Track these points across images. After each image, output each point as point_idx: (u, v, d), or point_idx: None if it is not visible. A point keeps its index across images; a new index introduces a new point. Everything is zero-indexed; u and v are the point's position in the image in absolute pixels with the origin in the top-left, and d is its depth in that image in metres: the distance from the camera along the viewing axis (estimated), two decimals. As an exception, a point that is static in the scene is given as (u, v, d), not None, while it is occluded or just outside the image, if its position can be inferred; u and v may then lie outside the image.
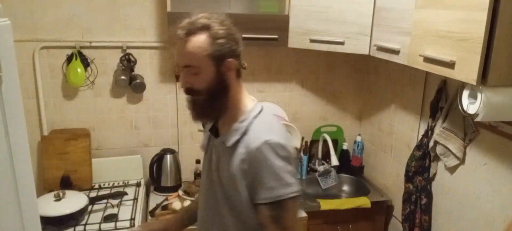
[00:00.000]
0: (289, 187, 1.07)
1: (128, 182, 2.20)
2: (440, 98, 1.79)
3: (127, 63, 2.13)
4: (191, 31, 1.07)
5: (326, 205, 2.09)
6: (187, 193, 2.11)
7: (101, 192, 2.04)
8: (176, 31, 1.08)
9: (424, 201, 1.86)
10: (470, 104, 1.33)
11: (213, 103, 1.12)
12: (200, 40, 1.06)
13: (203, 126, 1.40)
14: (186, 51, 1.06)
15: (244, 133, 1.11)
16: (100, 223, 1.79)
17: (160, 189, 2.22)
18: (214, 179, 1.19)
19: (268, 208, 1.08)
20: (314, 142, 2.51)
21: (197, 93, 1.10)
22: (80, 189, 2.03)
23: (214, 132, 1.20)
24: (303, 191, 1.15)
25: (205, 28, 1.07)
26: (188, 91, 1.11)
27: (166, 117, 2.28)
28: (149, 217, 1.98)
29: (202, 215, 1.28)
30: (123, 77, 2.09)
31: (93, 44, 2.09)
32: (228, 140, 1.13)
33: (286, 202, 1.07)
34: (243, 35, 2.07)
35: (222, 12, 1.15)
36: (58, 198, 1.82)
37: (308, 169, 2.47)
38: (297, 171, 1.19)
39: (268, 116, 1.17)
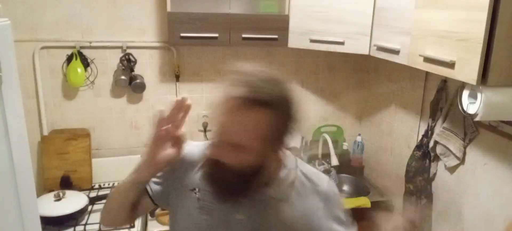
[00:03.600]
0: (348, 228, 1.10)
1: (128, 182, 2.20)
2: (440, 98, 1.79)
3: (127, 63, 2.13)
4: (250, 102, 0.83)
5: (326, 205, 2.09)
6: (187, 193, 2.11)
7: (101, 192, 2.04)
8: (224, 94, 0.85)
9: (424, 201, 1.86)
10: (470, 104, 1.33)
11: (242, 179, 0.93)
12: (257, 118, 0.85)
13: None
14: (233, 122, 0.85)
15: (293, 180, 1.01)
16: (100, 223, 1.79)
17: (160, 189, 2.21)
18: None
19: None
20: (314, 142, 2.51)
21: (227, 169, 0.90)
22: (80, 189, 2.03)
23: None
24: None
25: (268, 104, 0.85)
26: (219, 166, 0.91)
27: (166, 117, 2.28)
28: (149, 217, 1.98)
29: None
30: (123, 77, 2.09)
31: (93, 44, 2.09)
32: (277, 192, 0.98)
33: None
34: (243, 35, 2.07)
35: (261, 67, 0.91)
36: (58, 198, 1.82)
37: (308, 169, 2.47)
38: None
39: (301, 161, 1.11)
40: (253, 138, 0.85)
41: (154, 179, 1.06)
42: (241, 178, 0.90)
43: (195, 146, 1.06)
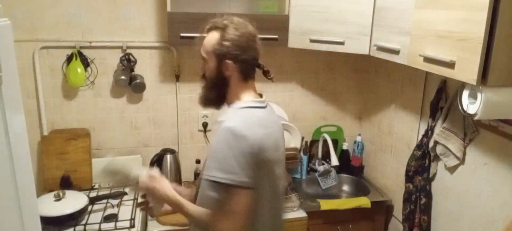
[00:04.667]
0: (230, 174, 1.13)
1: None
2: (440, 98, 1.79)
3: (127, 63, 2.13)
4: (211, 28, 1.27)
5: (326, 205, 2.09)
6: (187, 193, 2.11)
7: (101, 192, 2.04)
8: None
9: (423, 201, 1.86)
10: (470, 104, 1.33)
11: (210, 92, 1.30)
12: (212, 37, 1.25)
13: None
14: (203, 43, 1.28)
15: (226, 118, 1.21)
16: (100, 223, 1.79)
17: (160, 189, 2.21)
18: None
19: (212, 187, 1.18)
20: (314, 142, 2.51)
21: (204, 81, 1.31)
22: (80, 189, 2.03)
23: None
24: (252, 186, 1.18)
25: (220, 28, 1.24)
26: (202, 77, 1.32)
27: (166, 116, 2.28)
28: (149, 217, 1.97)
29: (196, 187, 1.40)
30: (123, 77, 2.09)
31: (93, 44, 2.09)
32: (216, 123, 1.28)
33: (228, 188, 1.14)
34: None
35: (243, 19, 1.29)
36: (58, 198, 1.82)
37: (308, 169, 2.47)
38: (264, 169, 1.23)
39: (257, 112, 1.25)
40: (208, 51, 1.26)
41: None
42: (211, 87, 1.29)
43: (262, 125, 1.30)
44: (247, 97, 1.28)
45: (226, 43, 1.22)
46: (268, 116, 1.29)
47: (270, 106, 1.36)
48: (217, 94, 1.30)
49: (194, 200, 1.34)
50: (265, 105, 1.30)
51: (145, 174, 1.35)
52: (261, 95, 1.33)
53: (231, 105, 1.29)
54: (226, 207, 1.16)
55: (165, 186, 1.33)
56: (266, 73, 1.35)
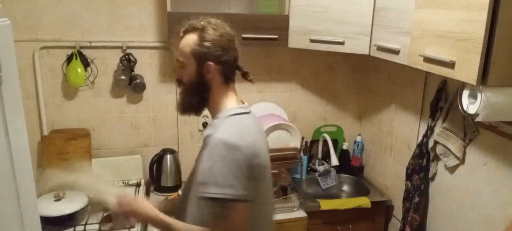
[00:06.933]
0: (227, 188, 1.08)
1: (128, 182, 2.20)
2: (440, 98, 1.79)
3: (127, 63, 2.13)
4: (188, 30, 1.20)
5: (326, 205, 2.09)
6: (187, 193, 2.11)
7: (101, 192, 2.04)
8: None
9: (416, 199, 1.86)
10: (470, 104, 1.33)
11: (191, 98, 1.23)
12: (190, 39, 1.18)
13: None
14: (179, 46, 1.21)
15: (215, 130, 1.15)
16: (100, 223, 1.79)
17: (160, 189, 2.22)
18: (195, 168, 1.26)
19: (206, 204, 1.10)
20: (314, 142, 2.51)
21: (182, 86, 1.23)
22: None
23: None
24: (249, 198, 1.15)
25: (199, 29, 1.18)
26: (178, 82, 1.25)
27: (166, 117, 2.28)
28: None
29: (181, 201, 1.35)
30: (123, 77, 2.09)
31: (93, 44, 2.09)
32: (203, 134, 1.21)
33: (225, 203, 1.08)
34: (243, 35, 2.07)
35: (220, 20, 1.24)
36: (58, 198, 1.82)
37: (308, 169, 2.47)
38: (261, 179, 1.21)
39: (243, 119, 1.20)
40: (186, 54, 1.18)
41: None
42: (191, 92, 1.22)
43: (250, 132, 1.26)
44: (230, 104, 1.22)
45: (206, 44, 1.15)
46: (254, 121, 1.25)
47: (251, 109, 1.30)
48: (198, 99, 1.23)
49: (178, 216, 1.26)
50: (249, 111, 1.25)
51: (115, 199, 1.24)
52: (243, 102, 1.28)
53: (217, 115, 1.21)
54: (224, 223, 1.11)
55: (146, 206, 1.23)
56: (245, 75, 1.28)
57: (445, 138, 1.74)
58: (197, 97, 1.22)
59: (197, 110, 1.26)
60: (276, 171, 2.16)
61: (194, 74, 1.19)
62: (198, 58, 1.17)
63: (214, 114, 1.24)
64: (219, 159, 1.08)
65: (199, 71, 1.18)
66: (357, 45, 1.88)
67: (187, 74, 1.20)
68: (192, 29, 1.19)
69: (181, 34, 1.21)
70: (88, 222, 1.80)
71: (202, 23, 1.18)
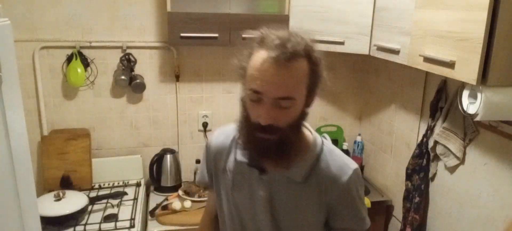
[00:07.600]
0: (362, 221, 1.07)
1: (128, 182, 2.20)
2: (440, 98, 1.79)
3: (127, 63, 2.13)
4: (294, 55, 0.88)
5: (326, 205, 2.09)
6: (187, 193, 2.11)
7: (101, 192, 2.04)
8: (268, 53, 0.88)
9: (417, 199, 1.86)
10: (470, 104, 1.33)
11: (289, 142, 0.95)
12: (299, 68, 0.91)
13: (219, 158, 1.16)
14: (288, 81, 0.89)
15: (315, 165, 1.02)
16: (100, 223, 1.79)
17: (160, 189, 2.22)
18: (260, 217, 1.06)
19: None
20: (314, 142, 2.51)
21: (275, 132, 0.92)
22: (80, 189, 2.03)
23: (257, 167, 1.04)
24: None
25: (306, 52, 0.92)
26: (269, 128, 0.91)
27: (166, 117, 2.28)
28: (149, 217, 1.97)
29: None
30: (123, 77, 2.09)
31: (93, 44, 2.09)
32: (295, 174, 1.01)
33: None
34: (243, 35, 2.06)
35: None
36: (58, 198, 1.82)
37: (308, 169, 2.47)
38: None
39: (329, 143, 1.10)
40: (299, 85, 0.92)
41: (204, 171, 1.21)
42: (290, 135, 0.94)
43: (223, 133, 1.17)
44: (308, 132, 1.06)
45: (319, 70, 0.97)
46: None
47: None
48: (296, 140, 0.98)
49: None
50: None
51: None
52: None
53: (307, 151, 1.03)
54: None
55: None
56: None
57: (445, 138, 1.74)
58: (295, 138, 0.98)
59: (289, 156, 0.99)
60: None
61: (301, 110, 0.96)
62: (310, 91, 0.95)
63: (297, 153, 1.00)
64: (356, 192, 1.04)
65: (307, 105, 0.97)
66: (357, 45, 1.88)
67: (293, 113, 0.93)
68: (298, 55, 0.90)
69: (283, 63, 0.87)
70: (88, 222, 1.80)
71: (300, 41, 0.92)
